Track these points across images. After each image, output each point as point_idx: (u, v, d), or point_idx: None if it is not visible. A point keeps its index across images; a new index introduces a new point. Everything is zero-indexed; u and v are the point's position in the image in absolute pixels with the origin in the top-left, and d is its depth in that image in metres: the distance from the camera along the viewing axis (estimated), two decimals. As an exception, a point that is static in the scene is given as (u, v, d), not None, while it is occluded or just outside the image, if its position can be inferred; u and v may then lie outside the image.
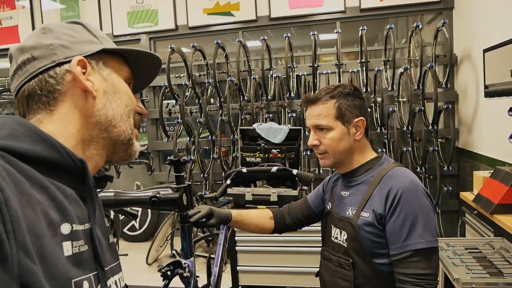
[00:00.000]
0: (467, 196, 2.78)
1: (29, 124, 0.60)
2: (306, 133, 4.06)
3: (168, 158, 1.30)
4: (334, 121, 1.33)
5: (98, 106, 0.69)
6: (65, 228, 0.57)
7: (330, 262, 1.39)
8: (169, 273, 1.23)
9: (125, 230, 4.74)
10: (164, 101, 4.35)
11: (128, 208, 1.31)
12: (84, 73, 0.67)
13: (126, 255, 4.32)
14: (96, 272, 0.62)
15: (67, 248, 0.56)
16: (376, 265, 1.26)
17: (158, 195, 1.09)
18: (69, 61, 0.67)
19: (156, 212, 4.71)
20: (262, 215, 1.60)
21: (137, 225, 4.74)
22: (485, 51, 3.19)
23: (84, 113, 0.68)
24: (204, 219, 1.40)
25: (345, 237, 1.33)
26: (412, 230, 1.19)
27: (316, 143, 1.36)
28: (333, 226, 1.41)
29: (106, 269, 0.64)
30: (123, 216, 3.70)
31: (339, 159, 1.37)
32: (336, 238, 1.38)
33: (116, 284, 0.68)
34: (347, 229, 1.32)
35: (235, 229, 2.89)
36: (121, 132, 0.72)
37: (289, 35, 4.09)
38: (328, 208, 1.48)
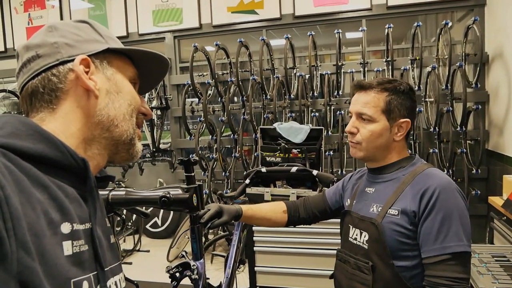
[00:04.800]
0: (496, 201, 2.67)
1: (31, 123, 0.60)
2: (329, 133, 4.01)
3: (178, 158, 1.29)
4: (380, 114, 1.26)
5: (100, 106, 0.68)
6: (65, 228, 0.57)
7: (347, 265, 1.34)
8: (177, 274, 1.22)
9: (147, 226, 4.81)
10: (187, 99, 4.39)
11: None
12: (87, 72, 0.67)
13: (148, 251, 4.39)
14: (96, 272, 0.62)
15: (67, 248, 0.56)
16: (397, 268, 1.21)
17: (168, 195, 1.08)
18: (73, 60, 0.66)
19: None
20: (275, 209, 1.57)
21: (159, 222, 4.80)
22: (518, 49, 3.05)
23: (86, 112, 0.67)
24: (216, 218, 1.38)
25: (366, 238, 1.27)
26: (450, 231, 1.14)
27: (353, 131, 1.30)
28: (351, 227, 1.35)
29: (106, 269, 0.64)
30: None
31: (371, 153, 1.31)
32: (355, 239, 1.32)
33: (116, 284, 0.68)
34: (369, 230, 1.26)
35: (253, 229, 2.88)
36: (123, 132, 0.71)
37: (313, 33, 4.04)
38: (346, 205, 1.43)
